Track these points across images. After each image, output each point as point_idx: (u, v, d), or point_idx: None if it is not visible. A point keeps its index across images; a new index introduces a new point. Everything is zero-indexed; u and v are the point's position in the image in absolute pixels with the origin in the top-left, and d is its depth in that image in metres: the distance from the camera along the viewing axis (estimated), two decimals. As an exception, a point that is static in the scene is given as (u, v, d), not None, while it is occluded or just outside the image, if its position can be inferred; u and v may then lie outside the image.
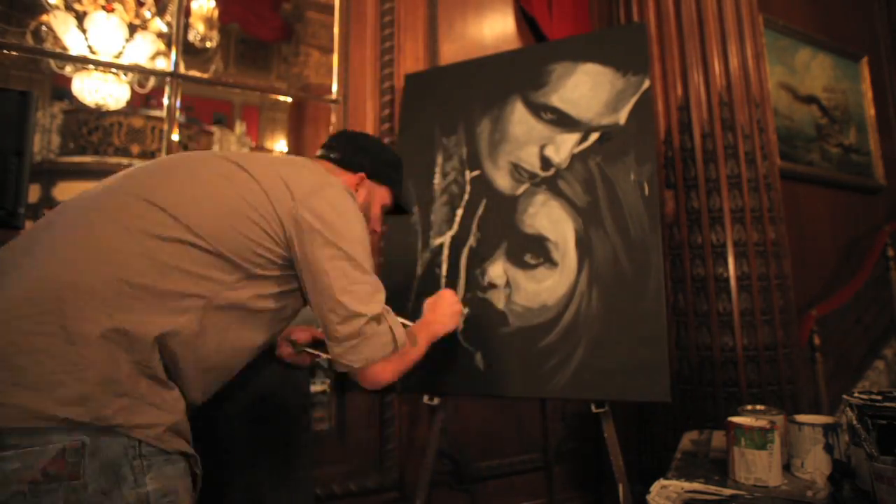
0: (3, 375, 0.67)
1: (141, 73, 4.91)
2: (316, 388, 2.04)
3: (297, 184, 0.97)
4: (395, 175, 1.29)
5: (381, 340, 0.99)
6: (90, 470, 0.67)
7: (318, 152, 1.24)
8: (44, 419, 0.66)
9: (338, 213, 0.98)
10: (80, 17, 4.04)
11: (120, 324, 0.75)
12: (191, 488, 0.82)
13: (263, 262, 0.93)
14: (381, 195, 1.27)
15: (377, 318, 0.99)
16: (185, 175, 0.93)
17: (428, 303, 1.38)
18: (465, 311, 1.60)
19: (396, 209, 1.35)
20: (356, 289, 0.96)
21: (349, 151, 1.22)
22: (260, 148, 8.04)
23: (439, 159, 1.84)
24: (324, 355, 1.29)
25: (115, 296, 0.77)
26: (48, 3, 4.10)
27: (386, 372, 1.02)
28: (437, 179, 1.82)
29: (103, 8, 4.08)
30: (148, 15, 4.45)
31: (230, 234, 0.89)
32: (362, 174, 1.21)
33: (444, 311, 1.34)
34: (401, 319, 1.13)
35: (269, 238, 0.93)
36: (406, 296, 1.73)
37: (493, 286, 1.63)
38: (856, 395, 0.97)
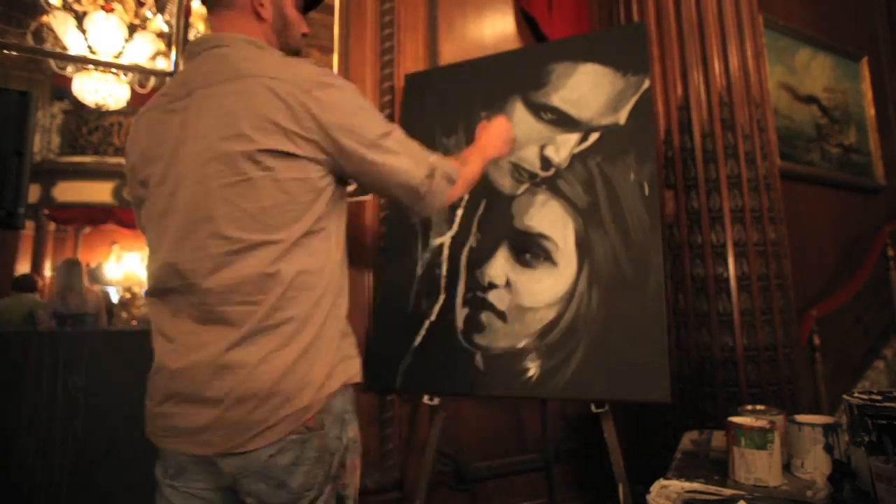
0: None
1: (141, 73, 4.91)
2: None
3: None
4: None
5: (440, 188, 1.06)
6: (328, 422, 0.91)
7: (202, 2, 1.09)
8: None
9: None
10: (80, 18, 4.04)
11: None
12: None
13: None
14: None
15: (430, 175, 1.04)
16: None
17: (480, 127, 1.40)
18: (463, 312, 1.60)
19: (309, 2, 1.18)
20: (400, 166, 1.01)
21: None
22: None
23: (439, 159, 1.84)
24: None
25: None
26: (48, 4, 4.10)
27: (452, 198, 1.13)
28: (437, 179, 1.82)
29: (103, 8, 4.07)
30: (148, 15, 4.45)
31: None
32: None
33: (499, 135, 1.36)
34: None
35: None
36: (406, 296, 1.73)
37: (493, 286, 1.63)
38: (856, 395, 0.97)
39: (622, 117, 1.64)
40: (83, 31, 4.00)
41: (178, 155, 0.94)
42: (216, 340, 0.88)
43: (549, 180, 1.67)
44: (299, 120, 0.90)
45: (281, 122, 0.89)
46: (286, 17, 1.09)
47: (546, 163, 1.70)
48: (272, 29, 1.07)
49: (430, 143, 1.87)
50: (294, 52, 1.12)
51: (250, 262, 0.89)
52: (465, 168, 1.17)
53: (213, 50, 0.98)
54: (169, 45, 3.25)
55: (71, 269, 3.94)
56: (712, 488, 1.07)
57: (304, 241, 0.92)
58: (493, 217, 1.71)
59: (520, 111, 1.78)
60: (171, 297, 0.94)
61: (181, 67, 1.04)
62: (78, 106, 6.70)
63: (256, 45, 1.00)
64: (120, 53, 4.18)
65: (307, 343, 0.90)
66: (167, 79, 2.31)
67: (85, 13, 4.04)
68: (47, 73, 6.62)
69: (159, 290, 0.95)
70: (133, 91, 5.16)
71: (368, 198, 2.00)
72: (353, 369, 0.98)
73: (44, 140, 7.44)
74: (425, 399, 1.62)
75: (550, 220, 1.63)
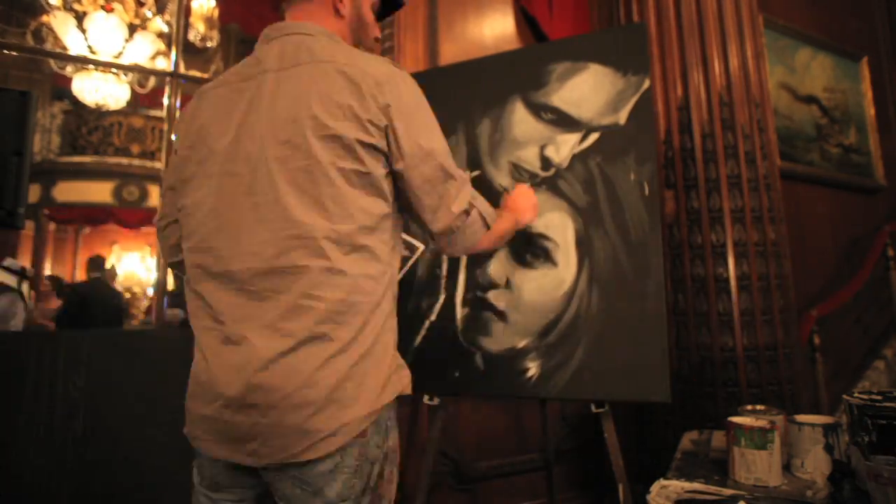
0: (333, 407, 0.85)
1: (141, 73, 4.91)
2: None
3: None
4: None
5: (473, 229, 1.01)
6: (371, 430, 0.87)
7: None
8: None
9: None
10: (80, 18, 4.04)
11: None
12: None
13: None
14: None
15: (466, 212, 0.99)
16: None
17: (507, 196, 1.37)
18: (463, 312, 1.60)
19: (387, 5, 1.19)
20: (444, 188, 0.96)
21: None
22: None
23: (439, 159, 1.84)
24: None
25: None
26: (48, 4, 4.10)
27: (481, 246, 1.07)
28: (437, 179, 1.82)
29: (103, 8, 4.08)
30: (148, 15, 4.45)
31: None
32: None
33: (527, 201, 1.34)
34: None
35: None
36: (406, 296, 1.73)
37: (493, 286, 1.63)
38: (856, 395, 0.97)
39: (622, 117, 1.64)
40: (83, 31, 4.00)
41: (244, 134, 0.90)
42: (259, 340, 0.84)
43: (550, 180, 1.67)
44: (369, 108, 0.87)
45: (353, 107, 0.87)
46: (363, 17, 1.10)
47: (546, 163, 1.70)
48: (349, 26, 1.07)
49: (430, 143, 1.87)
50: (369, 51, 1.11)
51: (315, 251, 0.85)
52: (499, 220, 1.11)
53: (289, 37, 0.97)
54: (169, 45, 3.25)
55: None
56: (712, 488, 1.07)
57: (366, 240, 0.89)
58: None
59: (520, 111, 1.78)
60: (222, 282, 0.88)
61: (255, 51, 1.03)
62: (78, 106, 6.70)
63: (332, 38, 0.99)
64: (120, 53, 4.18)
65: (365, 350, 0.87)
66: (167, 79, 2.30)
67: (85, 13, 4.04)
68: (47, 72, 6.62)
69: (209, 274, 0.90)
70: (133, 91, 5.16)
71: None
72: (405, 380, 0.97)
73: (44, 140, 7.44)
74: (425, 399, 1.62)
75: (550, 219, 1.63)
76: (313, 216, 0.85)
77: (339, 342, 0.84)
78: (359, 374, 0.85)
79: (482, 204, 1.04)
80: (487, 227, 1.04)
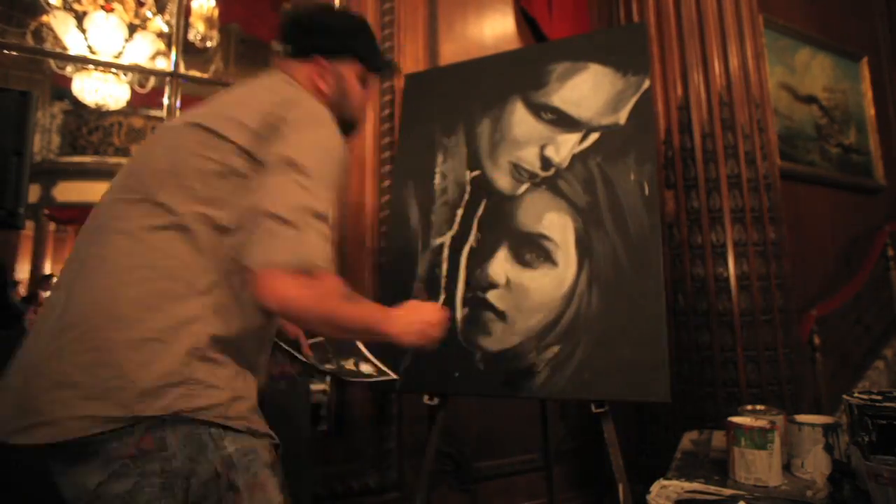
0: (69, 393, 0.74)
1: (141, 73, 4.91)
2: (316, 387, 2.04)
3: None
4: (355, 42, 1.14)
5: (283, 244, 0.80)
6: (173, 442, 0.76)
7: (275, 51, 1.15)
8: (112, 421, 0.74)
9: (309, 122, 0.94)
10: (80, 18, 4.04)
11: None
12: (271, 448, 0.86)
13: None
14: (350, 68, 1.12)
15: (288, 220, 0.81)
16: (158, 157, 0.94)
17: (407, 304, 1.08)
18: (463, 312, 1.60)
19: (377, 72, 1.20)
20: (281, 190, 0.84)
21: (298, 38, 1.10)
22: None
23: (439, 159, 1.84)
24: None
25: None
26: (48, 4, 4.11)
27: (289, 289, 0.80)
28: (437, 179, 1.82)
29: (103, 8, 4.07)
30: (148, 15, 4.45)
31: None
32: (318, 58, 1.07)
33: (412, 318, 1.04)
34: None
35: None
36: (406, 296, 1.73)
37: (493, 286, 1.63)
38: (856, 395, 0.97)
39: (622, 117, 1.64)
40: (83, 31, 4.00)
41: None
42: (61, 304, 0.84)
43: (549, 180, 1.67)
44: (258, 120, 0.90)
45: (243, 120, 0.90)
46: (345, 90, 1.11)
47: (546, 163, 1.70)
48: (329, 101, 1.07)
49: (430, 142, 1.87)
50: (350, 124, 1.13)
51: (131, 216, 0.87)
52: (348, 304, 0.89)
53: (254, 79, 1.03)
54: (169, 45, 3.25)
55: None
56: (712, 488, 1.07)
57: (194, 225, 0.84)
58: (494, 217, 1.71)
59: (520, 111, 1.78)
60: None
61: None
62: (78, 106, 6.69)
63: (291, 83, 1.03)
64: (120, 53, 4.18)
65: (135, 339, 0.77)
66: (167, 79, 2.30)
67: (85, 13, 4.04)
68: (47, 72, 6.61)
69: None
70: (133, 91, 5.16)
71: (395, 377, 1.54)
72: (199, 401, 0.78)
73: (44, 140, 7.44)
74: (425, 399, 1.62)
75: (550, 219, 1.63)
76: (147, 182, 0.90)
77: (106, 316, 0.78)
78: (118, 363, 0.75)
79: (320, 241, 0.84)
80: (303, 261, 0.81)
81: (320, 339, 1.34)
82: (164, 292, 0.81)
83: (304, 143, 0.89)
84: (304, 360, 1.31)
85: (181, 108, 2.37)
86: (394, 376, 1.42)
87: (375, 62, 1.17)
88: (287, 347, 1.30)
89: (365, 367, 1.38)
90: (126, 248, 0.83)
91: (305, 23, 1.12)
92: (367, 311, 0.97)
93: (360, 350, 1.40)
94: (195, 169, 0.87)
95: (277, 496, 0.84)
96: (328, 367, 1.35)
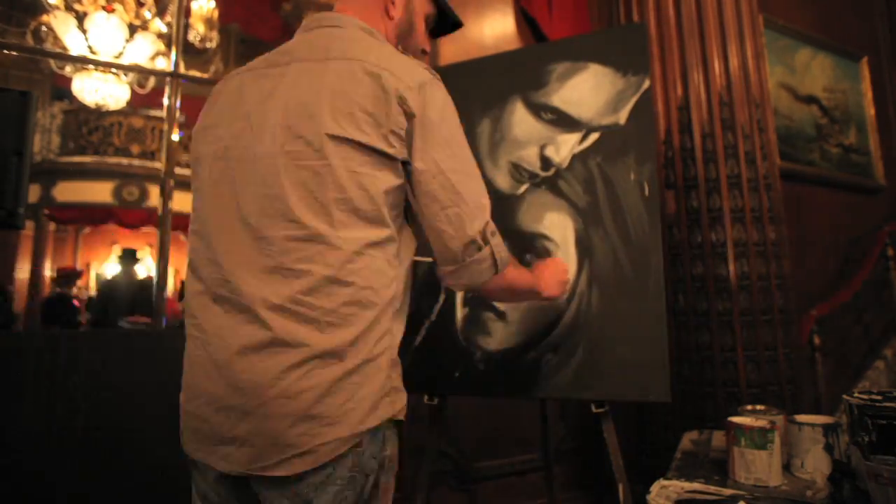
0: (313, 424, 0.80)
1: (141, 73, 4.91)
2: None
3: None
4: None
5: (479, 268, 0.94)
6: (366, 440, 0.82)
7: None
8: (351, 439, 0.81)
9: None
10: (81, 18, 4.04)
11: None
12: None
13: None
14: (422, 4, 1.08)
15: (476, 243, 0.92)
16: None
17: (539, 264, 1.26)
18: (463, 312, 1.60)
19: (441, 25, 1.15)
20: (455, 211, 0.90)
21: None
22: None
23: (439, 159, 1.84)
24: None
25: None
26: (48, 4, 4.11)
27: (487, 289, 1.00)
28: (437, 179, 1.82)
29: (103, 8, 4.08)
30: (148, 15, 4.45)
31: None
32: None
33: (555, 275, 1.23)
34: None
35: None
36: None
37: (493, 286, 1.63)
38: (856, 395, 0.97)
39: (622, 117, 1.64)
40: (83, 32, 4.00)
41: (257, 121, 0.87)
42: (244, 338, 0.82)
43: (549, 180, 1.67)
44: (393, 114, 0.83)
45: (373, 112, 0.83)
46: (414, 24, 1.06)
47: (546, 163, 1.70)
48: (396, 29, 1.03)
49: (430, 143, 1.87)
50: None
51: (313, 256, 0.82)
52: (517, 272, 1.05)
53: (327, 29, 0.95)
54: (169, 46, 3.25)
55: None
56: (712, 488, 1.07)
57: (371, 250, 0.85)
58: (494, 217, 1.70)
59: (520, 111, 1.78)
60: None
61: (293, 39, 0.98)
62: (78, 106, 6.70)
63: (372, 34, 0.96)
64: (120, 54, 4.18)
65: (353, 367, 0.81)
66: (167, 79, 2.30)
67: (85, 13, 4.04)
68: (47, 72, 6.62)
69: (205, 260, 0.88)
70: (133, 91, 5.16)
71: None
72: (398, 404, 0.88)
73: (44, 140, 7.45)
74: (425, 399, 1.62)
75: (550, 219, 1.63)
76: (317, 220, 0.82)
77: (325, 354, 0.80)
78: (344, 391, 0.80)
79: (499, 245, 0.96)
80: (496, 269, 0.96)
81: None
82: (365, 322, 0.84)
83: (455, 149, 0.92)
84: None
85: (181, 109, 2.36)
86: None
87: (447, 12, 1.13)
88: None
89: None
90: (326, 291, 0.83)
91: None
92: (526, 276, 1.12)
93: None
94: (358, 193, 0.84)
95: (389, 501, 0.91)
96: None
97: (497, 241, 0.97)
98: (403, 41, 1.06)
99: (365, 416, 0.82)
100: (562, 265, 1.28)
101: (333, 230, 0.82)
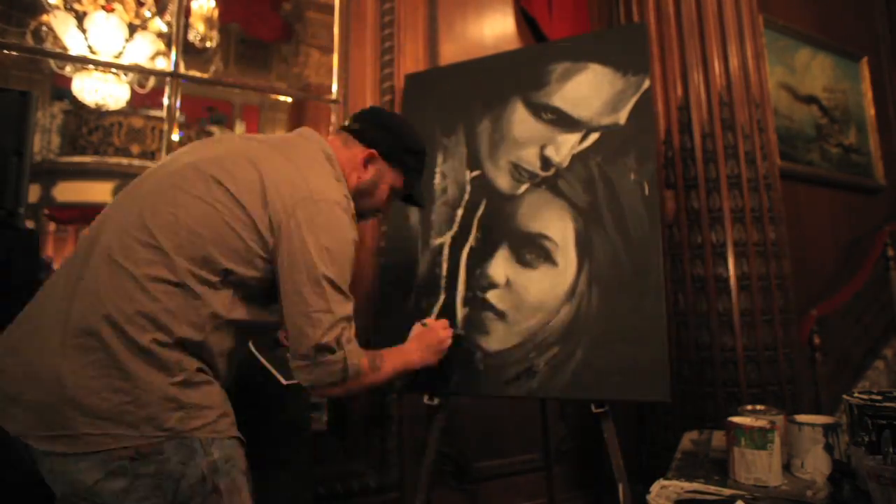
0: (89, 412, 0.83)
1: (141, 73, 4.91)
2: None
3: (285, 190, 1.00)
4: (412, 162, 1.27)
5: (329, 370, 1.01)
6: (169, 447, 0.85)
7: (345, 122, 1.26)
8: (125, 438, 0.84)
9: (325, 227, 1.01)
10: (80, 18, 4.04)
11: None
12: (244, 456, 0.96)
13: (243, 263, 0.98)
14: (393, 177, 1.24)
15: (329, 348, 0.99)
16: (167, 203, 0.97)
17: (416, 330, 1.39)
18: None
19: (407, 198, 1.33)
20: (317, 316, 0.98)
21: (370, 126, 1.22)
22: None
23: (439, 159, 1.84)
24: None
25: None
26: (48, 3, 4.10)
27: (333, 393, 1.05)
28: (437, 179, 1.82)
29: (103, 8, 4.07)
30: (148, 15, 4.45)
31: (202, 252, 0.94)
32: (373, 150, 1.19)
33: (430, 343, 1.35)
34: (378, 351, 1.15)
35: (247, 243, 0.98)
36: (406, 296, 1.73)
37: (493, 286, 1.63)
38: (856, 395, 0.97)
39: (622, 117, 1.64)
40: (83, 31, 4.00)
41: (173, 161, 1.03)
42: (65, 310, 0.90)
43: (549, 180, 1.67)
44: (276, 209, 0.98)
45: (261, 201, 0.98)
46: (377, 188, 1.22)
47: (546, 163, 1.70)
48: (357, 187, 1.18)
49: (431, 143, 1.87)
50: (359, 213, 1.19)
51: (138, 260, 0.91)
52: (375, 374, 1.12)
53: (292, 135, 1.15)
54: (169, 46, 3.25)
55: None
56: (712, 488, 1.07)
57: (191, 283, 0.91)
58: (494, 217, 1.70)
59: (520, 111, 1.78)
60: None
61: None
62: (78, 106, 6.70)
63: (328, 157, 1.12)
64: (120, 53, 4.18)
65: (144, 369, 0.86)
66: (167, 79, 2.30)
67: (85, 13, 4.04)
68: (47, 72, 6.62)
69: None
70: (133, 91, 5.16)
71: None
72: (193, 422, 0.88)
73: (44, 140, 7.44)
74: (425, 399, 1.62)
75: (550, 219, 1.63)
76: (168, 231, 0.93)
77: (122, 344, 0.85)
78: (125, 390, 0.84)
79: (354, 354, 1.03)
80: (346, 378, 1.02)
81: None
82: (162, 333, 0.88)
83: (323, 245, 0.99)
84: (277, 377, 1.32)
85: (181, 108, 2.36)
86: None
87: (414, 188, 1.30)
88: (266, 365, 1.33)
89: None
90: (127, 288, 0.88)
91: (385, 120, 1.26)
92: (387, 367, 1.16)
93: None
94: (225, 242, 0.94)
95: (248, 499, 0.94)
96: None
97: (354, 352, 1.04)
98: (360, 199, 1.19)
99: (144, 423, 0.85)
100: (440, 331, 1.39)
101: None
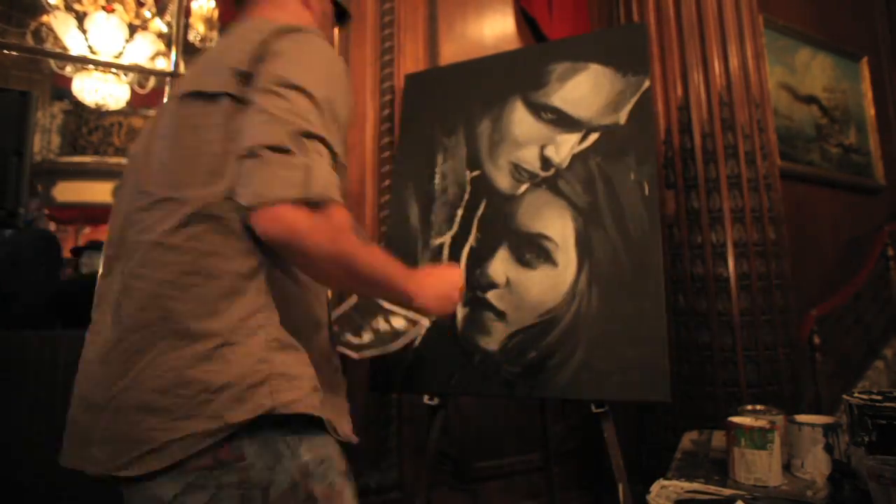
0: (162, 417, 0.71)
1: (141, 73, 4.91)
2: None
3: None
4: None
5: (284, 173, 0.71)
6: (251, 451, 0.71)
7: None
8: (210, 434, 0.70)
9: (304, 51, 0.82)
10: (81, 18, 4.04)
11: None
12: (343, 454, 0.84)
13: None
14: (326, 4, 1.05)
15: (286, 148, 0.72)
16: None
17: (428, 269, 1.07)
18: (463, 312, 1.60)
19: (340, 15, 1.12)
20: (280, 113, 0.73)
21: None
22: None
23: (439, 159, 1.84)
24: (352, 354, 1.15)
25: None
26: (48, 4, 4.10)
27: (298, 222, 0.70)
28: (437, 179, 1.82)
29: (103, 8, 4.07)
30: (148, 15, 4.45)
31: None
32: None
33: (439, 281, 0.97)
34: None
35: None
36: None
37: (493, 286, 1.63)
38: (856, 395, 0.97)
39: (622, 117, 1.64)
40: (83, 32, 4.00)
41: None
42: (108, 327, 0.76)
43: (549, 180, 1.67)
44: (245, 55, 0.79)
45: (233, 63, 0.79)
46: (327, 13, 1.05)
47: (546, 163, 1.70)
48: (315, 20, 1.00)
49: (431, 142, 1.87)
50: None
51: (149, 224, 0.76)
52: (368, 249, 0.80)
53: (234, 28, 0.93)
54: (169, 46, 3.25)
55: None
56: (712, 488, 1.07)
57: (217, 209, 0.74)
58: (493, 217, 1.71)
59: (520, 111, 1.78)
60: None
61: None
62: (78, 106, 6.70)
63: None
64: (120, 54, 4.18)
65: (208, 350, 0.71)
66: (167, 79, 2.30)
67: (85, 13, 4.04)
68: (47, 72, 6.62)
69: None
70: (133, 91, 5.16)
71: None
72: (287, 394, 0.73)
73: (44, 140, 7.44)
74: (425, 399, 1.62)
75: (550, 219, 1.63)
76: (159, 185, 0.78)
77: (168, 334, 0.71)
78: (197, 379, 0.70)
79: (322, 169, 0.74)
80: (309, 192, 0.71)
81: (347, 308, 1.20)
82: (214, 294, 0.73)
83: (294, 63, 0.79)
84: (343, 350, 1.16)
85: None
86: (426, 322, 1.21)
87: (344, 4, 1.10)
88: None
89: (397, 322, 1.19)
90: (160, 260, 0.75)
91: None
92: (389, 261, 0.85)
93: (382, 305, 1.18)
94: (198, 146, 0.78)
95: (353, 503, 0.81)
96: (363, 339, 1.18)
97: (322, 164, 0.75)
98: (323, 30, 1.03)
99: (226, 409, 0.70)
100: (452, 276, 1.01)
101: (173, 191, 0.77)
